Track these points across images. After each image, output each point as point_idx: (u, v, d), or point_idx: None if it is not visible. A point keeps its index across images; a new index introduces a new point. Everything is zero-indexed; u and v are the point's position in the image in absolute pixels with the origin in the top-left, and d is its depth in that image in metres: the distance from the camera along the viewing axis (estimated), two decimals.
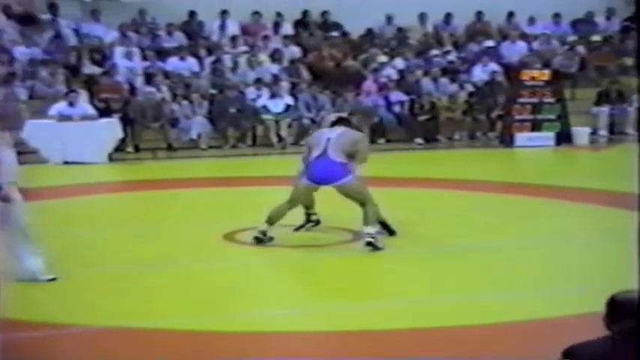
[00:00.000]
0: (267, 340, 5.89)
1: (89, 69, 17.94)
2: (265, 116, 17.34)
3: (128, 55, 18.21)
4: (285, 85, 18.24)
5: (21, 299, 6.88)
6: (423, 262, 8.00)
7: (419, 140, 17.86)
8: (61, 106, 15.90)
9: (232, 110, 17.29)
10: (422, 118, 18.05)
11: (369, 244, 8.04)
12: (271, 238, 8.37)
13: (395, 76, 18.94)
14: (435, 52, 19.83)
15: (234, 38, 19.41)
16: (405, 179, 13.16)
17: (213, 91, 17.83)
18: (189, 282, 7.33)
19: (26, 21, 18.84)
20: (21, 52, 17.96)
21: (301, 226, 9.02)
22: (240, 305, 6.65)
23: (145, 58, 18.45)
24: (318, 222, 9.11)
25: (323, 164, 8.29)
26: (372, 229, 8.13)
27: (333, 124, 8.71)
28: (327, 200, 10.88)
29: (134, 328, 5.99)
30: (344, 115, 9.41)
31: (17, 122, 7.11)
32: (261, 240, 8.34)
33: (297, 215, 9.00)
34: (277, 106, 17.49)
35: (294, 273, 7.68)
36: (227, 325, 6.05)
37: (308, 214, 9.04)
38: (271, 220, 8.39)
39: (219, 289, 7.10)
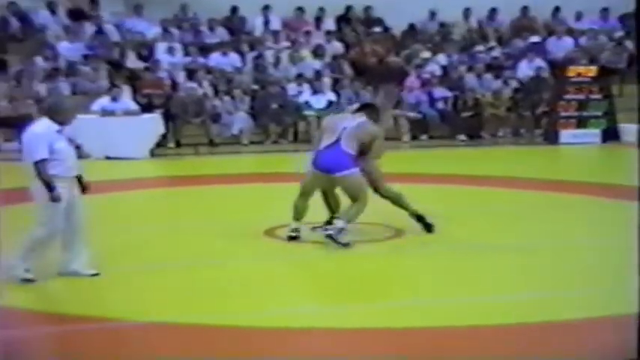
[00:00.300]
0: (304, 336, 5.86)
1: (132, 64, 18.07)
2: (307, 112, 17.33)
3: (170, 51, 18.31)
4: (327, 80, 18.22)
5: (66, 293, 6.95)
6: (462, 259, 7.91)
7: (462, 137, 17.74)
8: (104, 102, 16.03)
9: (274, 106, 17.31)
10: (465, 114, 17.91)
11: (329, 236, 7.92)
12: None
13: (438, 72, 18.83)
14: (479, 47, 19.67)
15: (276, 33, 19.42)
16: (448, 176, 13.06)
17: (255, 87, 17.86)
18: (229, 278, 7.33)
19: (75, 16, 19.03)
20: (65, 47, 18.14)
21: (319, 227, 8.65)
22: (279, 301, 6.63)
23: (187, 53, 18.54)
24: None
25: (332, 153, 8.12)
26: (342, 224, 7.99)
27: (357, 110, 8.56)
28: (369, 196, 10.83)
29: (175, 323, 6.00)
30: (370, 101, 9.25)
31: (71, 116, 7.14)
32: (294, 237, 8.31)
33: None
34: (319, 102, 17.47)
35: (334, 269, 7.64)
36: (265, 321, 6.04)
37: (331, 217, 8.61)
38: (297, 217, 8.34)
39: (259, 285, 7.10)
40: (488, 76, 18.61)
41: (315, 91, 17.57)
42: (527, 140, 17.71)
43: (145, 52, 18.40)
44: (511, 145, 17.32)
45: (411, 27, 20.36)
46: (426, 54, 19.25)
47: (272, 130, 17.31)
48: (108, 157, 15.19)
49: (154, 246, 8.39)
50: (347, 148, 8.11)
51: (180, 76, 17.90)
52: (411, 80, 18.39)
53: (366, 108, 8.60)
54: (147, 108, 16.42)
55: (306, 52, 19.05)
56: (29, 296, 6.72)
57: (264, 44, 19.17)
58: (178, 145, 16.72)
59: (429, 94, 18.19)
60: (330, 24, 20.23)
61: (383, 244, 8.47)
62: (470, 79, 18.49)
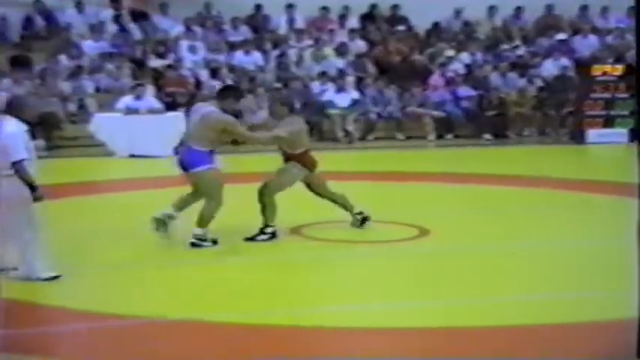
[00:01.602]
0: (330, 335, 5.88)
1: (155, 63, 18.15)
2: (331, 111, 17.35)
3: (193, 49, 18.39)
4: (350, 79, 18.23)
5: (96, 290, 7.02)
6: (487, 259, 7.90)
7: (487, 136, 17.70)
8: (128, 100, 16.12)
9: (297, 104, 17.33)
10: (490, 113, 17.88)
11: (193, 244, 7.88)
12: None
13: (462, 70, 18.80)
14: (503, 46, 19.62)
15: (299, 32, 19.46)
16: (473, 175, 13.04)
17: (277, 85, 17.89)
18: (255, 276, 7.38)
19: (137, 16, 19.13)
20: (89, 45, 18.26)
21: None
22: (301, 299, 6.68)
23: (210, 51, 18.60)
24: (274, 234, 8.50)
25: (186, 150, 8.07)
26: (200, 231, 7.92)
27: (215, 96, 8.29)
28: (392, 195, 10.86)
29: (201, 320, 6.05)
30: (227, 85, 8.77)
31: (35, 114, 7.13)
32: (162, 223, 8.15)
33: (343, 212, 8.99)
34: (343, 100, 17.49)
35: (356, 268, 7.66)
36: (291, 319, 6.08)
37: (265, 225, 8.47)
38: (178, 206, 8.19)
39: (283, 283, 7.14)
40: (513, 74, 18.56)
41: (339, 90, 17.59)
42: (553, 139, 17.64)
43: (168, 51, 18.46)
44: (537, 144, 17.28)
45: (436, 25, 20.34)
46: (450, 52, 19.23)
47: None
48: (132, 156, 15.28)
49: (178, 243, 8.43)
50: (196, 145, 7.94)
51: (204, 75, 17.97)
52: (435, 79, 18.37)
53: (220, 94, 8.27)
54: (170, 106, 16.50)
55: (329, 51, 19.08)
56: (53, 293, 6.79)
57: (288, 42, 19.22)
58: None
59: (453, 92, 18.16)
60: (354, 22, 20.24)
61: (407, 244, 8.48)
62: (494, 77, 18.46)
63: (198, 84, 17.69)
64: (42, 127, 16.02)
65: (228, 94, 8.20)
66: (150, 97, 16.43)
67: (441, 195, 11.56)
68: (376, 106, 17.75)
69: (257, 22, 19.92)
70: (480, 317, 6.14)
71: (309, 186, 8.86)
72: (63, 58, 17.64)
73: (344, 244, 8.44)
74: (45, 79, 16.73)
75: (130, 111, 15.82)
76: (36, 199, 6.81)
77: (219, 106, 8.03)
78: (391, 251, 8.21)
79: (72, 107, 16.84)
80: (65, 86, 16.90)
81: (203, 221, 7.95)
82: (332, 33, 19.66)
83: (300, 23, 19.91)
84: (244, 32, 19.46)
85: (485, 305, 6.45)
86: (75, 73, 17.26)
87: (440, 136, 17.74)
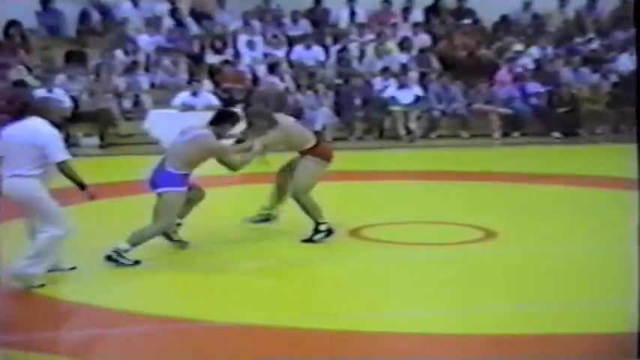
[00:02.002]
0: (387, 341, 5.86)
1: (212, 58, 18.29)
2: (393, 107, 17.30)
3: (251, 44, 18.48)
4: (414, 75, 18.16)
5: (143, 292, 7.10)
6: (559, 263, 7.79)
7: (557, 134, 17.48)
8: (184, 96, 16.27)
9: (358, 101, 17.33)
10: (560, 110, 17.65)
11: (108, 258, 7.45)
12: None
13: (531, 65, 18.60)
14: (576, 39, 19.35)
15: (361, 26, 19.43)
16: (540, 175, 12.88)
17: (338, 81, 17.91)
18: (315, 279, 7.40)
19: (197, 16, 19.35)
20: (145, 40, 18.47)
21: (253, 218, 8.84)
22: (362, 304, 6.65)
23: (268, 46, 18.67)
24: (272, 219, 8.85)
25: (160, 171, 7.86)
26: (125, 246, 7.49)
27: (211, 121, 8.04)
28: (456, 195, 10.78)
29: (261, 325, 6.06)
30: (224, 110, 8.51)
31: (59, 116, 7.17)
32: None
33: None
34: (406, 96, 17.43)
35: (419, 272, 7.60)
36: (352, 324, 6.06)
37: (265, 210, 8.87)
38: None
39: (343, 287, 7.12)
40: (586, 69, 18.30)
41: (402, 86, 17.52)
42: (629, 138, 17.28)
43: (226, 46, 18.58)
44: (610, 142, 16.98)
45: (504, 18, 20.15)
46: (519, 47, 19.04)
47: (357, 126, 17.34)
48: None
49: (238, 245, 8.48)
50: (171, 167, 7.73)
51: (262, 70, 18.05)
52: (503, 74, 18.19)
53: (217, 119, 8.05)
54: (228, 103, 16.61)
55: (392, 45, 19.02)
56: (103, 293, 6.87)
57: (349, 37, 19.21)
58: None
59: (521, 89, 17.97)
60: (418, 15, 20.16)
61: (471, 247, 8.40)
62: (566, 72, 18.22)
63: (256, 80, 17.78)
64: (96, 124, 16.30)
65: (225, 119, 8.08)
66: (206, 94, 16.57)
67: (508, 196, 11.44)
68: (440, 103, 17.64)
69: (317, 15, 19.95)
70: (556, 324, 6.05)
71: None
72: (118, 54, 17.87)
73: (406, 247, 8.39)
74: (100, 74, 16.97)
75: (186, 107, 15.97)
76: (91, 196, 6.95)
77: (215, 131, 7.90)
78: (456, 254, 8.14)
79: (127, 104, 17.05)
80: (120, 82, 17.13)
81: (136, 239, 7.59)
82: (395, 27, 19.60)
83: (361, 17, 19.89)
84: (304, 26, 19.51)
85: (561, 311, 6.36)
86: (130, 69, 17.48)
87: (506, 134, 17.57)
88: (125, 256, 7.45)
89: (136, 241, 7.55)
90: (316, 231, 8.40)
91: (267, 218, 8.88)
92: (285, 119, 8.73)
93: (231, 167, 8.14)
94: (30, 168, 6.75)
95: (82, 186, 6.90)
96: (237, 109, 16.05)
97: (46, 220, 6.80)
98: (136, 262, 7.52)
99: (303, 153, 8.50)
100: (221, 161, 8.14)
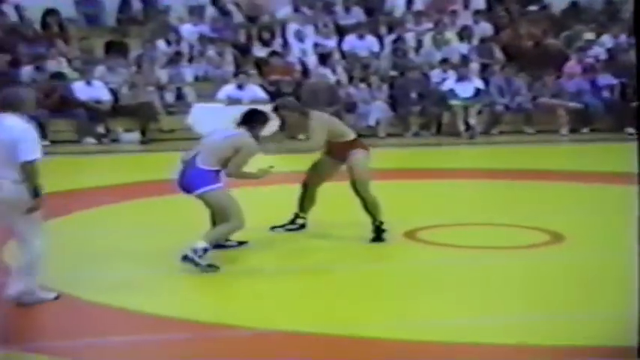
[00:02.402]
0: (449, 351, 5.86)
1: (260, 49, 18.36)
2: (452, 101, 17.26)
3: (301, 33, 18.54)
4: (474, 66, 18.11)
5: (174, 298, 7.19)
6: (622, 269, 7.71)
7: (630, 130, 17.28)
8: (229, 89, 16.39)
9: (415, 95, 17.32)
10: (634, 104, 17.46)
11: (185, 258, 7.39)
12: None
13: (603, 56, 18.43)
14: None
15: (418, 14, 19.41)
16: (612, 174, 12.75)
17: (393, 74, 17.91)
18: (367, 283, 7.41)
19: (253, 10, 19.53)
20: (188, 30, 18.63)
21: (281, 226, 8.86)
22: (419, 311, 6.67)
23: (319, 35, 18.72)
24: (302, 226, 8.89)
25: (188, 170, 7.85)
26: (203, 245, 7.44)
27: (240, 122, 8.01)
28: (520, 195, 10.73)
29: (300, 332, 6.10)
30: (253, 109, 8.47)
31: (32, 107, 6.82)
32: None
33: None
34: (466, 90, 17.37)
35: (479, 277, 7.58)
36: (406, 332, 6.07)
37: (295, 215, 8.86)
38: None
39: (397, 291, 7.15)
40: None
41: (461, 78, 17.46)
42: None
43: (274, 35, 18.65)
44: None
45: (573, 5, 20.02)
46: (590, 35, 18.88)
47: (413, 121, 17.32)
48: None
49: (285, 246, 8.54)
50: (203, 164, 7.73)
51: (312, 61, 18.11)
52: (572, 66, 18.06)
53: (246, 119, 8.00)
54: (276, 96, 16.68)
55: (451, 35, 18.97)
56: (138, 300, 6.97)
57: (405, 26, 19.20)
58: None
59: (592, 81, 17.83)
60: (479, 3, 20.09)
61: (537, 251, 8.37)
62: None
63: (306, 72, 17.84)
64: (137, 118, 16.49)
65: (254, 119, 8.03)
66: (253, 86, 16.67)
67: (577, 196, 11.36)
68: (503, 97, 17.56)
69: (372, 3, 19.97)
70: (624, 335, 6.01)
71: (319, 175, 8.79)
72: (160, 44, 18.04)
73: (465, 250, 8.37)
74: (141, 66, 17.16)
75: (232, 101, 16.09)
76: (37, 207, 6.44)
77: (249, 132, 7.92)
78: (520, 259, 8.10)
79: (169, 97, 17.21)
80: (162, 74, 17.29)
81: (212, 238, 7.63)
82: (454, 15, 19.55)
83: (419, 4, 19.88)
84: (357, 14, 19.54)
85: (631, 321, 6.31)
86: (173, 60, 17.63)
87: (575, 130, 17.44)
88: (202, 257, 7.41)
89: (211, 240, 7.56)
90: (379, 229, 8.45)
91: (303, 225, 8.92)
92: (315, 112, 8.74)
93: (230, 172, 7.92)
94: (12, 170, 6.41)
95: (36, 193, 6.40)
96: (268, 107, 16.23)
97: (32, 230, 6.54)
98: (210, 268, 7.48)
99: (345, 148, 8.49)
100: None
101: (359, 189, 8.48)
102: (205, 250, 7.46)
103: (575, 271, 7.70)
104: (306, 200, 8.87)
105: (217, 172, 7.78)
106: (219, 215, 7.83)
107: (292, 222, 8.90)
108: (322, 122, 8.51)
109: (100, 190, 11.57)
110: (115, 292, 6.99)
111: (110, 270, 7.66)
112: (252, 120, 8.01)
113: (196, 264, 7.40)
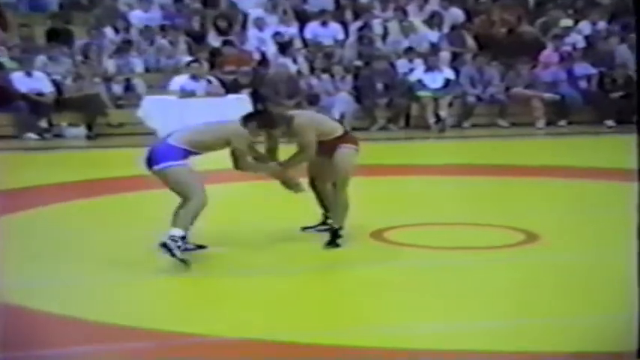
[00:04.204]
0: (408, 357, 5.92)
1: (215, 37, 18.34)
2: (421, 93, 17.36)
3: (260, 21, 18.52)
4: (445, 55, 18.21)
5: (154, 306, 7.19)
6: (614, 271, 7.82)
7: (610, 122, 17.49)
8: (182, 80, 16.37)
9: (381, 86, 17.39)
10: (614, 95, 17.66)
11: (164, 245, 7.51)
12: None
13: (581, 43, 18.61)
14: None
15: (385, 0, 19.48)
16: (591, 169, 12.90)
17: (358, 63, 17.96)
18: (332, 287, 7.45)
19: None
20: (137, 16, 18.57)
21: (313, 226, 8.92)
22: (387, 316, 6.71)
23: (279, 23, 18.72)
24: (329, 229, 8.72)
25: (156, 146, 7.96)
26: (177, 232, 7.57)
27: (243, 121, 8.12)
28: (493, 192, 10.80)
29: (270, 340, 6.13)
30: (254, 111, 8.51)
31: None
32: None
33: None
34: (435, 80, 17.49)
35: (448, 280, 7.62)
36: (374, 339, 6.10)
37: (325, 217, 8.87)
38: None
39: (363, 295, 7.18)
40: None
41: (430, 68, 17.57)
42: None
43: (227, 24, 18.58)
44: None
45: None
46: (567, 22, 19.05)
47: (379, 114, 17.40)
48: None
49: (242, 249, 8.55)
50: (172, 141, 7.80)
51: (271, 51, 18.12)
52: (547, 54, 18.23)
53: (247, 117, 8.18)
54: (232, 88, 16.70)
55: (419, 22, 19.06)
56: (94, 306, 6.97)
57: (371, 12, 19.26)
58: None
59: (569, 70, 18.00)
60: None
61: (510, 251, 8.45)
62: (621, 52, 18.21)
63: (264, 61, 17.84)
64: (83, 112, 16.43)
65: (259, 118, 8.20)
66: (208, 77, 16.65)
67: (553, 193, 11.48)
68: (475, 88, 17.69)
69: None
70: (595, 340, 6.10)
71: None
72: (108, 32, 17.98)
73: (434, 251, 8.42)
74: (87, 56, 17.09)
75: (186, 93, 16.06)
76: None
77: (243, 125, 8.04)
78: (492, 260, 8.17)
79: (118, 89, 17.17)
80: (110, 64, 17.24)
81: (182, 222, 7.66)
82: (423, 0, 19.63)
83: None
84: (323, 1, 19.54)
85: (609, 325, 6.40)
86: (121, 49, 17.58)
87: (551, 123, 17.61)
88: (180, 246, 7.50)
89: (182, 225, 7.60)
90: (336, 234, 8.48)
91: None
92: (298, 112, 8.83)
93: (238, 165, 8.17)
94: None
95: None
96: (243, 95, 16.25)
97: None
98: (199, 247, 7.94)
99: (334, 144, 8.53)
100: (233, 153, 8.19)
101: (336, 185, 8.51)
102: (183, 238, 7.54)
103: (551, 272, 7.77)
104: (323, 199, 8.88)
105: (186, 151, 7.79)
106: (180, 196, 7.82)
107: (323, 223, 8.87)
108: (309, 122, 8.52)
109: (44, 189, 11.51)
110: (67, 300, 6.96)
111: (59, 276, 7.62)
112: (254, 118, 8.13)
113: (172, 254, 7.47)
